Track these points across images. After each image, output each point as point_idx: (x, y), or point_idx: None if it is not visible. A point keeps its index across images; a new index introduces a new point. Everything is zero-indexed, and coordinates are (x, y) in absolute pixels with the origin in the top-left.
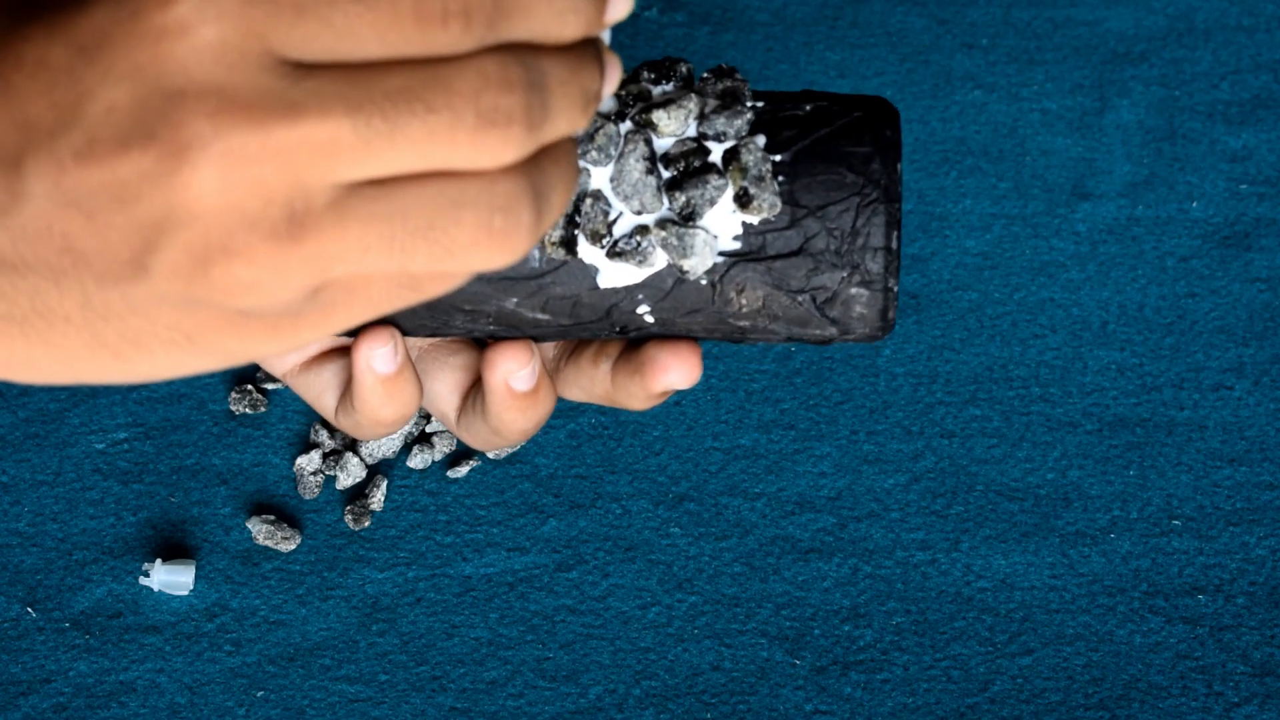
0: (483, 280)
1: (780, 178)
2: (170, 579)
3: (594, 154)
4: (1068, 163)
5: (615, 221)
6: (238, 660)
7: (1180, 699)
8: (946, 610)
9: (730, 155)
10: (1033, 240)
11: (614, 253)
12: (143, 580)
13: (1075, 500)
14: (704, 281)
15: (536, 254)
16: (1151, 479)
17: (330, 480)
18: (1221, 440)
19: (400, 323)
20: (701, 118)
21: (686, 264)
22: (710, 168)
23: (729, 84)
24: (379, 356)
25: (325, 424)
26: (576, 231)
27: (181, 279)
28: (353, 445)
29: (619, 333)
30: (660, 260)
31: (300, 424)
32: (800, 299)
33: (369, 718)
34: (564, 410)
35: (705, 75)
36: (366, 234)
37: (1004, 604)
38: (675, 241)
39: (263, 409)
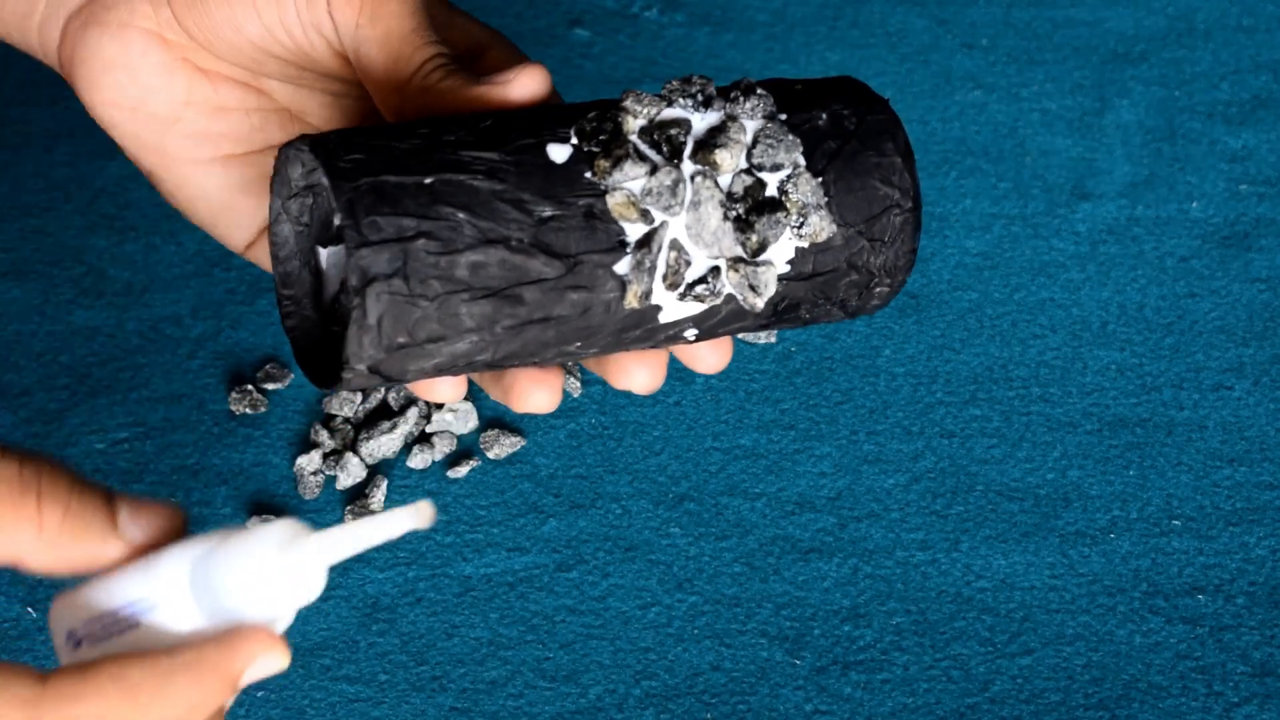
0: (551, 332)
1: (826, 199)
2: None
3: (676, 206)
4: (1068, 163)
5: (689, 265)
6: None
7: (1180, 699)
8: (946, 610)
9: (784, 186)
10: (1033, 240)
11: (686, 295)
12: None
13: (1075, 500)
14: (757, 309)
15: (606, 303)
16: (1151, 479)
17: (330, 480)
18: (1221, 440)
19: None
20: (751, 149)
21: (756, 300)
22: (774, 202)
23: (753, 97)
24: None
25: (326, 424)
26: (656, 281)
27: None
28: (353, 445)
29: (650, 347)
30: (724, 295)
31: (300, 424)
32: (833, 304)
33: (369, 718)
34: (564, 411)
35: (733, 95)
36: None
37: (1004, 604)
38: (749, 281)
39: (263, 409)
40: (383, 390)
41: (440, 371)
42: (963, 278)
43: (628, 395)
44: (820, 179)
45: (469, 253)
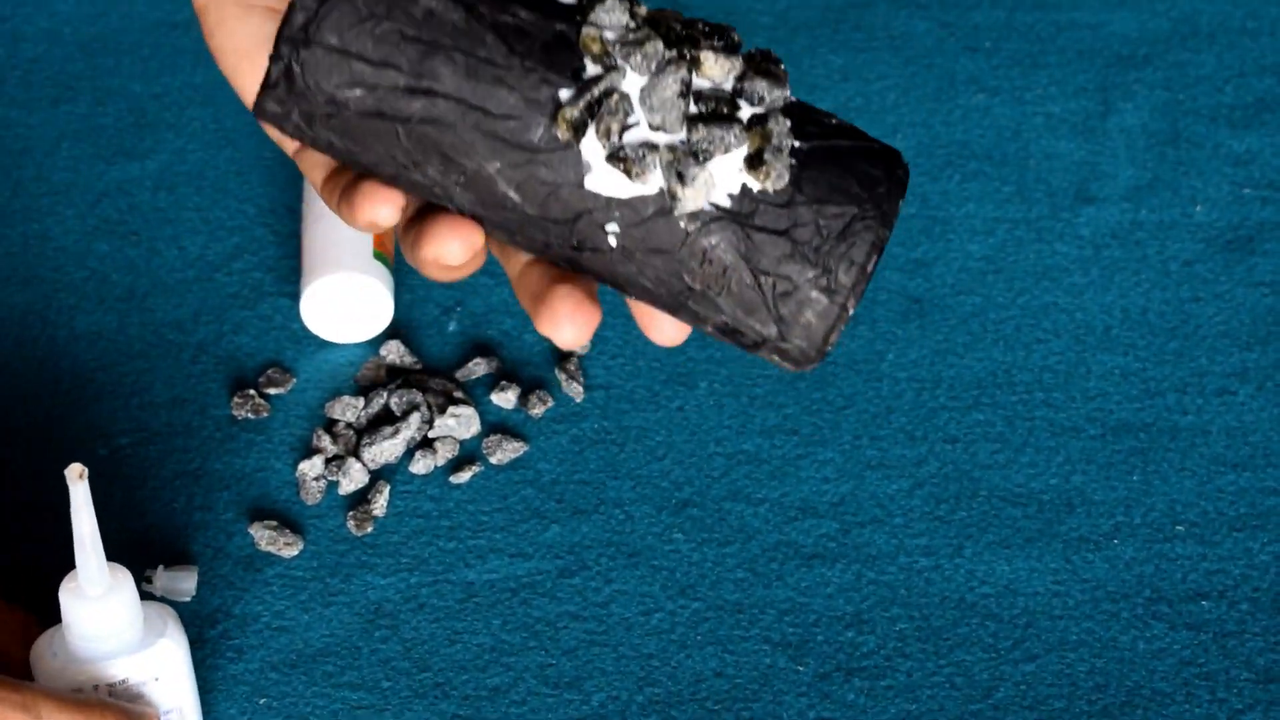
0: (479, 131)
1: (794, 161)
2: (173, 585)
3: (637, 58)
4: (1071, 166)
5: (629, 129)
6: (240, 667)
7: (1184, 705)
8: (950, 616)
9: (757, 120)
10: (1036, 244)
11: (615, 156)
12: (145, 586)
13: (1079, 506)
14: (682, 224)
15: (541, 129)
16: (1155, 484)
17: (333, 486)
18: (1225, 445)
19: (373, 147)
20: (741, 79)
21: (681, 192)
22: (737, 120)
23: (772, 67)
24: (382, 217)
25: (328, 429)
26: (591, 121)
27: None
28: (355, 451)
29: (572, 249)
30: (653, 185)
31: (302, 429)
32: (762, 281)
33: None
34: (567, 416)
35: (751, 51)
36: None
37: (1007, 610)
38: (679, 168)
39: (265, 414)
40: (385, 394)
41: (358, 118)
42: (966, 282)
43: (630, 401)
44: (799, 143)
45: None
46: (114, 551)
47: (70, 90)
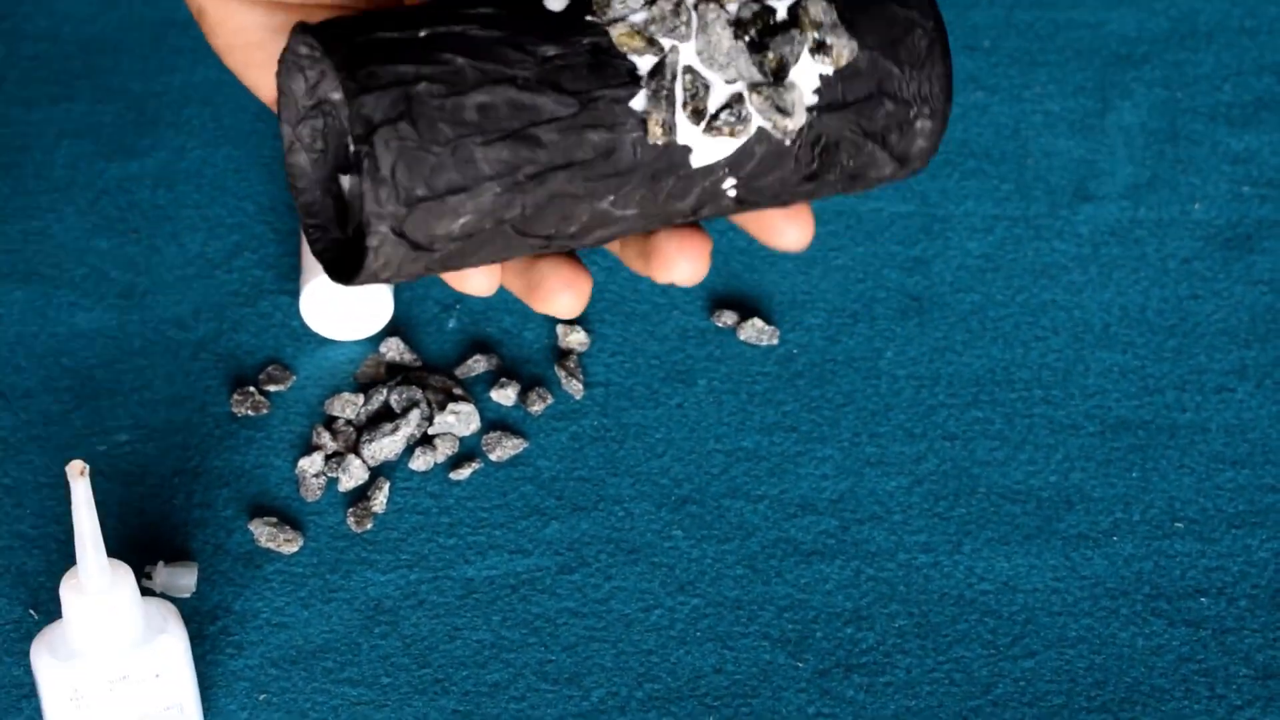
0: (586, 182)
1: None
2: (172, 581)
3: (680, 29)
4: (1070, 164)
5: (709, 93)
6: (240, 663)
7: (1183, 702)
8: (949, 613)
9: (795, 10)
10: (1035, 242)
11: (711, 128)
12: (145, 583)
13: (1078, 503)
14: (788, 142)
15: (637, 146)
16: (1154, 481)
17: (332, 482)
18: (1224, 442)
19: (491, 249)
20: None
21: (788, 124)
22: (785, 24)
23: None
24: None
25: (328, 426)
26: (676, 110)
27: None
28: (355, 448)
29: (688, 215)
30: (753, 127)
31: (302, 426)
32: (874, 138)
33: None
34: (566, 413)
35: None
36: None
37: (1006, 607)
38: (774, 102)
39: (264, 411)
40: (385, 391)
41: (470, 237)
42: (965, 280)
43: (630, 398)
44: (832, 2)
45: (475, 93)
46: (114, 548)
47: (70, 88)
